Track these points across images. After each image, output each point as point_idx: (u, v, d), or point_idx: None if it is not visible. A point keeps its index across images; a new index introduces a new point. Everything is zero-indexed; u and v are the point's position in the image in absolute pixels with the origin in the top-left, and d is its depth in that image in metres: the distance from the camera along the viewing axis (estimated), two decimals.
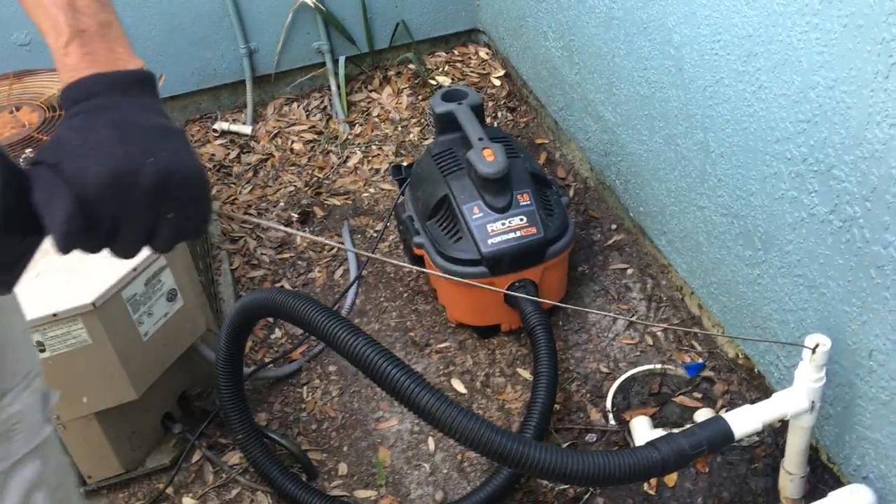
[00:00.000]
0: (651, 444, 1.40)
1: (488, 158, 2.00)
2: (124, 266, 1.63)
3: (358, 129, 3.05)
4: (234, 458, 1.91)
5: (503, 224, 2.00)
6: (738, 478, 1.74)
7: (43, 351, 1.58)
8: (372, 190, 2.77)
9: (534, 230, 2.00)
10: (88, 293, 1.57)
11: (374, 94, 3.22)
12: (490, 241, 1.99)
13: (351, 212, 2.67)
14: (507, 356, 2.11)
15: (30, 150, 1.94)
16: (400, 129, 3.04)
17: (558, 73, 2.50)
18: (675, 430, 1.44)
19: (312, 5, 3.00)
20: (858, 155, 1.22)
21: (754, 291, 1.68)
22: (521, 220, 2.01)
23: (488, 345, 2.15)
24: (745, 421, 1.42)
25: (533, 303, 1.98)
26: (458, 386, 2.05)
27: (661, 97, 1.85)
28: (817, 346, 1.35)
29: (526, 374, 2.06)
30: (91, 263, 1.62)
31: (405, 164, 2.41)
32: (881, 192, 1.20)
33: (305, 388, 2.09)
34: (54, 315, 1.55)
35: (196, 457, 1.91)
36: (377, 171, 2.86)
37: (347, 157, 2.93)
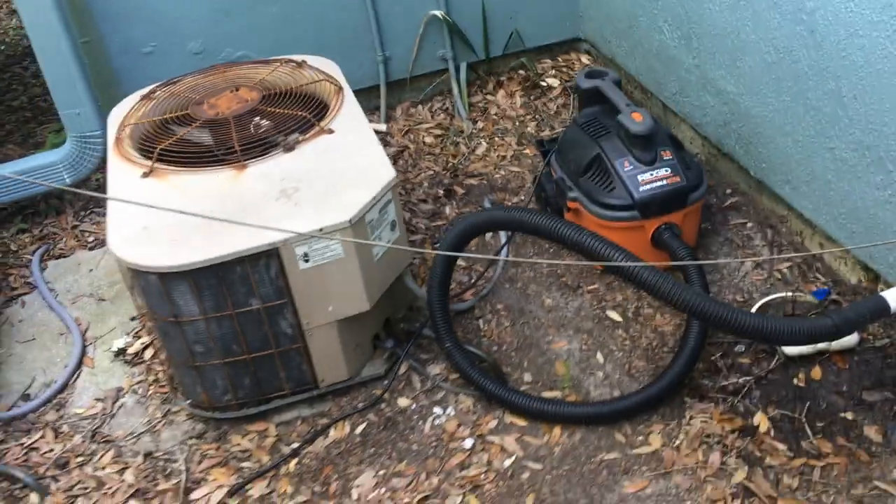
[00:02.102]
0: (825, 314, 1.73)
1: (637, 119, 2.37)
2: (366, 194, 2.00)
3: (480, 125, 3.44)
4: (435, 369, 2.25)
5: (651, 174, 2.36)
6: (874, 370, 2.05)
7: (307, 261, 1.95)
8: (502, 172, 3.14)
9: (678, 179, 2.35)
10: (345, 213, 1.94)
11: (489, 97, 3.62)
12: (641, 189, 2.34)
13: (488, 189, 3.04)
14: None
15: (258, 118, 2.34)
16: (518, 123, 3.42)
17: (673, 62, 2.88)
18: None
19: (441, 17, 3.42)
20: None
21: (885, 210, 2.02)
22: (667, 171, 2.36)
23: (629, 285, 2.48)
24: None
25: (680, 240, 2.32)
26: (614, 315, 2.38)
27: (790, 59, 2.22)
28: None
29: None
30: (334, 193, 1.99)
31: (545, 139, 2.79)
32: None
33: (480, 320, 2.43)
34: (321, 229, 1.92)
35: (402, 369, 2.25)
36: (504, 157, 3.23)
37: (475, 147, 3.31)
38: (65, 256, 2.92)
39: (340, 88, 2.48)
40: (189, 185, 2.13)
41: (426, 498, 1.92)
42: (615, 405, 2.04)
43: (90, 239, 3.01)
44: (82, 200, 3.20)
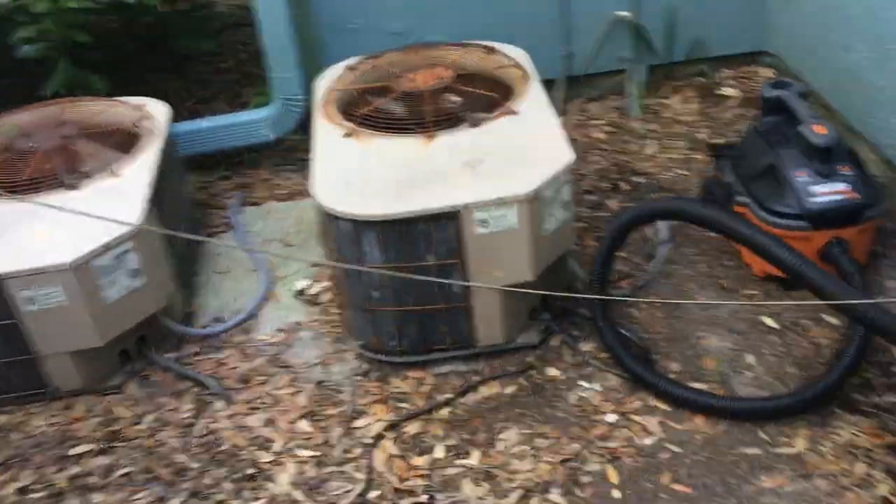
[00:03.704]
0: None
1: (819, 132, 2.38)
2: (545, 171, 2.14)
3: (652, 127, 3.50)
4: (586, 346, 2.37)
5: (827, 188, 2.37)
6: None
7: (484, 227, 2.11)
8: (670, 174, 3.20)
9: (855, 194, 2.35)
10: (524, 186, 2.09)
11: (664, 100, 3.67)
12: (814, 200, 2.35)
13: (654, 188, 3.11)
14: (814, 305, 2.45)
15: (449, 94, 2.53)
16: (689, 128, 3.46)
17: (862, 81, 2.84)
18: None
19: (628, 18, 3.51)
20: None
21: None
22: (844, 185, 2.36)
23: (793, 295, 2.49)
24: None
25: (849, 256, 2.32)
26: (769, 321, 2.41)
27: None
28: None
29: (832, 320, 2.38)
30: (515, 168, 2.14)
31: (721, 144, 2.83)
32: None
33: (633, 308, 2.51)
34: (501, 199, 2.08)
35: (555, 342, 2.38)
36: (673, 159, 3.28)
37: (644, 147, 3.38)
38: (257, 204, 3.24)
39: (527, 75, 2.63)
40: (383, 148, 2.34)
41: (567, 460, 2.05)
42: (766, 404, 2.09)
43: (281, 192, 3.32)
44: (278, 157, 3.53)
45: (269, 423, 2.23)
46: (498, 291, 2.23)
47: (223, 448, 2.16)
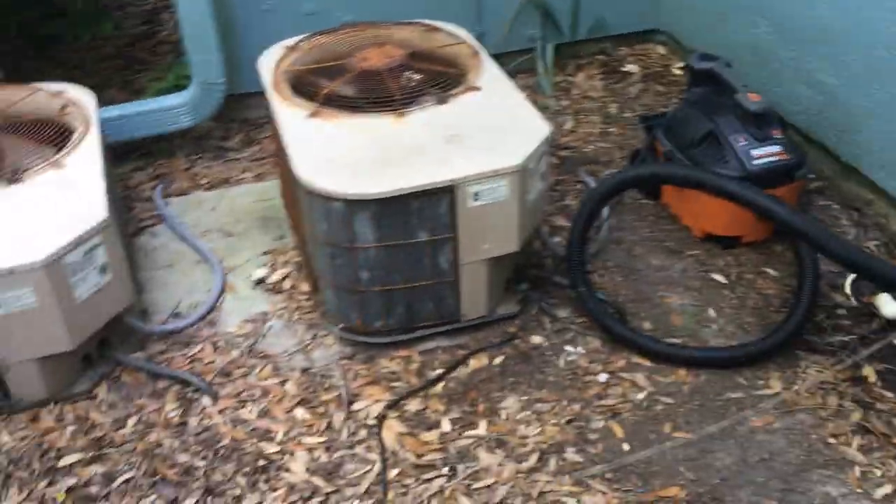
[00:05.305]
0: None
1: (754, 99, 2.59)
2: (530, 142, 2.19)
3: (564, 103, 3.65)
4: (562, 312, 2.45)
5: (764, 150, 2.58)
6: None
7: (476, 200, 2.13)
8: (592, 146, 3.35)
9: (788, 156, 2.58)
10: (514, 158, 2.13)
11: (569, 78, 3.83)
12: (754, 162, 2.56)
13: (580, 161, 3.25)
14: (753, 260, 2.67)
15: (408, 72, 2.52)
16: (600, 103, 3.63)
17: (766, 54, 3.10)
18: None
19: None
20: None
21: None
22: (778, 147, 2.59)
23: (732, 253, 2.70)
24: None
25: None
26: (718, 277, 2.60)
27: None
28: None
29: (772, 272, 2.61)
30: (498, 141, 2.18)
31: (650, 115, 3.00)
32: None
33: (595, 275, 2.63)
34: (494, 171, 2.11)
35: (532, 311, 2.45)
36: (591, 133, 3.44)
37: (563, 123, 3.52)
38: (183, 195, 3.07)
39: (476, 52, 2.66)
40: (355, 127, 2.30)
41: (571, 420, 2.12)
42: (747, 349, 2.25)
43: (203, 181, 3.17)
44: (191, 145, 3.36)
45: (265, 414, 2.15)
46: (484, 264, 2.26)
47: (224, 443, 2.06)
